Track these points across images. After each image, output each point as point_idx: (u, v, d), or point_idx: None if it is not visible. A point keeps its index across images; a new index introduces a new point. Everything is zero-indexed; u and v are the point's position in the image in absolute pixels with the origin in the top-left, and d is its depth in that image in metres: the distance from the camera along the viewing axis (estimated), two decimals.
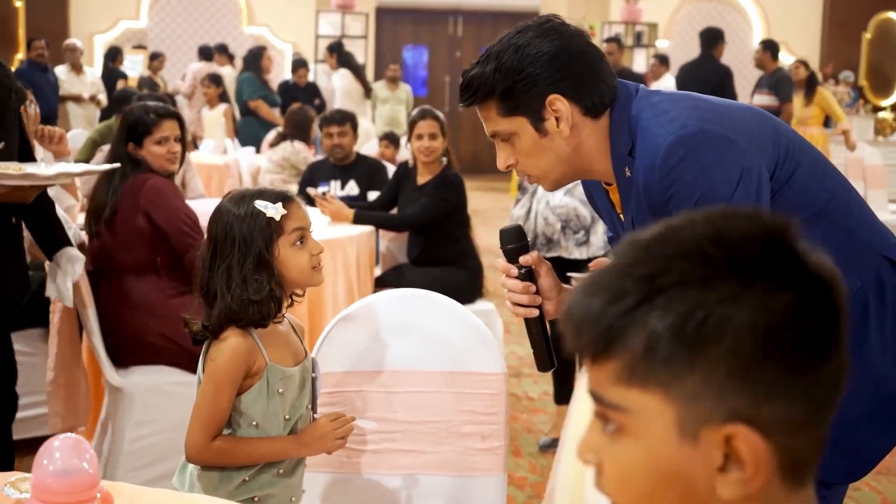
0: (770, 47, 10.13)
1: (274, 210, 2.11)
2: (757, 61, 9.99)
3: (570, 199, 4.31)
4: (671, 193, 1.80)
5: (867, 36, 15.02)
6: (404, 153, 8.24)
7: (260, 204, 2.11)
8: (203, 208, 4.13)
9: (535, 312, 2.01)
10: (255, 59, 10.48)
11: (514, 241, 2.01)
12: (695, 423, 0.88)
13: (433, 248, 4.85)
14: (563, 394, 4.47)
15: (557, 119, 1.87)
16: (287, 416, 2.16)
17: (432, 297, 2.42)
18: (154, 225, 3.80)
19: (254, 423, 2.13)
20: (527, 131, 1.89)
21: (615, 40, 8.54)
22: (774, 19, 14.85)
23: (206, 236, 2.20)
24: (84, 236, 3.94)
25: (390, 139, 7.94)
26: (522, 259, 2.00)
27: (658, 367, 0.87)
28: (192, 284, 3.75)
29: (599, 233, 4.32)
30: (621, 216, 2.01)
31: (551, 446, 4.35)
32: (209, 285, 2.14)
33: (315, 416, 2.27)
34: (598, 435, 0.93)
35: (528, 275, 2.00)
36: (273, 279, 2.11)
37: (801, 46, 14.93)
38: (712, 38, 9.23)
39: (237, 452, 2.13)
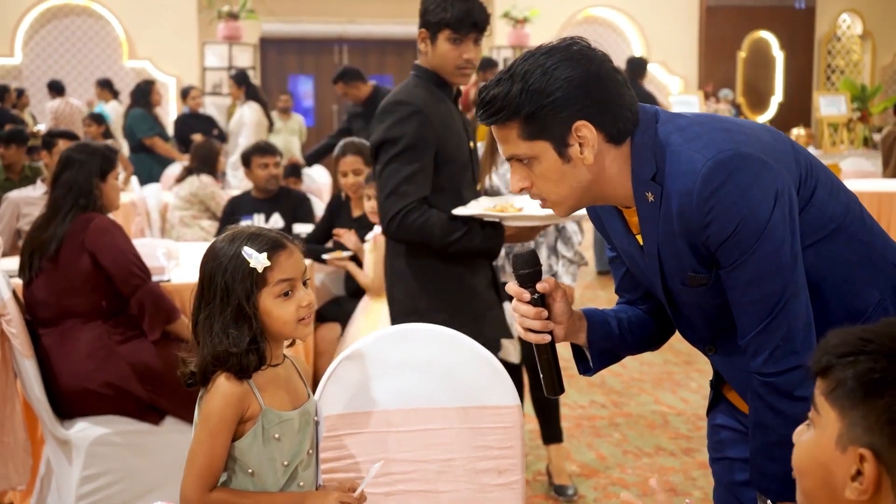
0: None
1: (257, 261, 1.97)
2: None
3: None
4: (710, 218, 1.77)
5: (742, 54, 15.53)
6: (307, 181, 8.15)
7: (246, 251, 1.98)
8: (141, 250, 3.99)
9: (548, 339, 1.96)
10: (145, 94, 10.17)
11: (528, 266, 1.95)
12: (847, 440, 1.30)
13: None
14: (548, 433, 4.44)
15: (581, 145, 1.81)
16: (286, 462, 2.04)
17: (439, 330, 2.36)
18: (99, 266, 3.65)
19: (249, 470, 2.01)
20: (549, 156, 1.83)
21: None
22: (653, 40, 15.21)
23: (199, 274, 2.07)
24: (13, 283, 3.74)
25: (295, 174, 7.81)
26: (540, 286, 1.95)
27: (842, 396, 1.31)
28: (140, 328, 3.69)
29: (543, 256, 4.29)
30: (637, 238, 1.98)
31: (561, 493, 4.31)
32: (196, 327, 2.04)
33: (318, 462, 2.16)
34: (803, 426, 1.39)
35: (541, 300, 1.95)
36: (254, 331, 1.98)
37: (679, 66, 15.35)
38: (639, 67, 9.34)
39: None
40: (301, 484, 2.08)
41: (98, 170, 3.74)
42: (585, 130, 1.80)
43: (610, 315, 2.11)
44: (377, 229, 4.31)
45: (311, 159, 8.52)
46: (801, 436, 1.39)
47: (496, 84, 1.83)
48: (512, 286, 1.97)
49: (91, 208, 3.71)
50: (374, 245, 4.34)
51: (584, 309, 2.09)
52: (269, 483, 2.03)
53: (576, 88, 1.79)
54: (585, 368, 2.13)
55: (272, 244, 2.01)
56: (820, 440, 1.34)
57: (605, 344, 2.10)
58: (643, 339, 2.14)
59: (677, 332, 2.12)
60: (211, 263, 2.02)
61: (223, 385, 1.98)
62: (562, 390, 2.01)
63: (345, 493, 2.07)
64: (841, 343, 1.34)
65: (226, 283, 1.97)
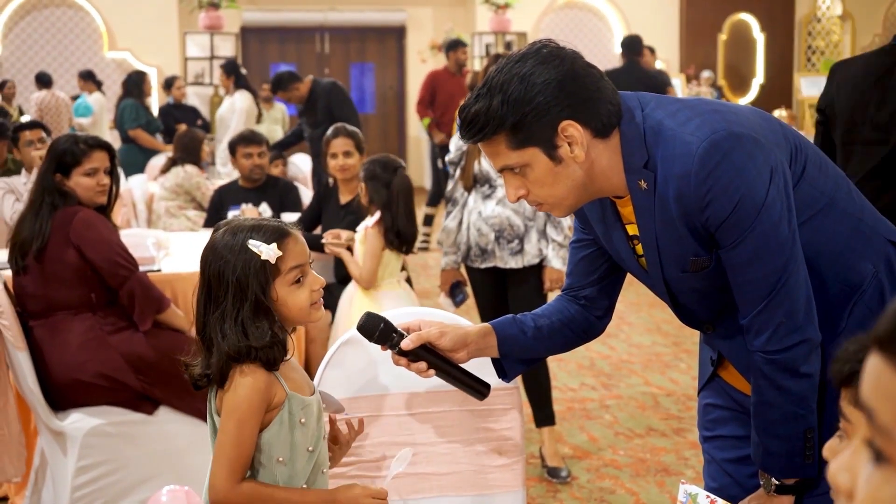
0: (653, 51, 10.47)
1: (268, 252, 1.95)
2: (643, 63, 10.24)
3: (503, 209, 4.30)
4: (709, 199, 1.78)
5: (723, 37, 15.55)
6: (292, 169, 8.14)
7: (253, 244, 1.95)
8: (130, 240, 3.98)
9: (431, 374, 2.08)
10: (138, 85, 10.13)
11: (372, 333, 2.07)
12: None
13: None
14: (541, 417, 4.47)
15: (570, 145, 1.82)
16: (310, 448, 2.04)
17: (436, 314, 2.37)
18: (86, 259, 3.64)
19: (279, 458, 1.99)
20: (540, 161, 1.83)
21: None
22: (634, 24, 15.19)
23: (200, 273, 2.03)
24: (4, 275, 3.73)
25: (283, 159, 7.80)
26: (404, 345, 2.05)
27: None
28: (131, 318, 3.69)
29: (533, 241, 4.31)
30: (628, 228, 1.97)
31: (554, 475, 4.34)
32: (205, 329, 2.00)
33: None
34: (834, 440, 1.00)
35: (410, 352, 2.06)
36: (274, 323, 1.97)
37: (660, 49, 15.32)
38: (635, 45, 9.18)
39: (267, 499, 1.98)
40: (324, 471, 2.08)
41: (54, 167, 3.67)
42: (571, 129, 1.81)
43: (527, 324, 2.16)
44: (368, 221, 4.37)
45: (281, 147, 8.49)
46: (835, 449, 1.26)
47: (475, 101, 1.83)
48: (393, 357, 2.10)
49: (66, 204, 3.66)
50: (364, 237, 4.38)
51: (495, 322, 2.16)
52: (297, 470, 2.02)
53: (555, 90, 1.80)
54: (503, 375, 2.21)
55: (278, 233, 1.99)
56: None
57: (519, 354, 2.18)
58: (567, 341, 2.20)
59: (664, 314, 2.14)
60: (217, 262, 1.97)
61: (248, 374, 1.96)
62: (487, 390, 2.12)
63: (372, 488, 2.07)
64: (861, 348, 1.18)
65: (238, 279, 1.94)
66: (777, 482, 1.91)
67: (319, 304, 2.05)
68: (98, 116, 11.10)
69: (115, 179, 3.78)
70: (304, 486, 2.03)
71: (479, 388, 2.11)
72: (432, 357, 2.07)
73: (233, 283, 1.94)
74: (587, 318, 2.17)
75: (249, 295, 1.94)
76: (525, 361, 2.21)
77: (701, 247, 1.86)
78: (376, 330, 2.06)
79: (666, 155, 1.82)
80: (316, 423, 2.06)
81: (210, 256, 2.00)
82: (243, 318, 1.94)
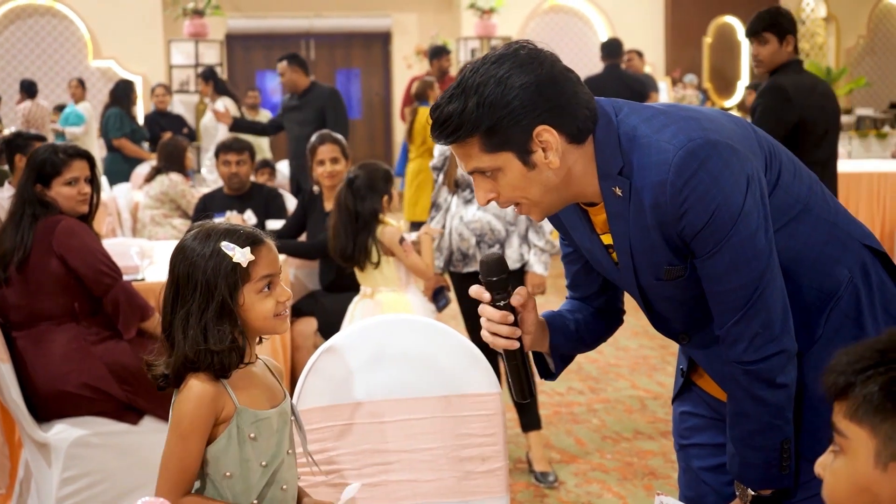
0: (641, 55, 10.51)
1: (241, 255, 1.93)
2: (631, 66, 10.29)
3: (484, 214, 4.30)
4: (685, 208, 1.75)
5: (708, 40, 15.61)
6: (277, 177, 8.13)
7: (227, 246, 1.93)
8: (114, 249, 3.97)
9: (516, 345, 1.91)
10: (126, 93, 10.11)
11: (495, 273, 1.89)
12: (887, 457, 1.23)
13: (347, 273, 4.76)
14: (527, 421, 4.47)
15: (545, 150, 1.77)
16: (264, 463, 1.99)
17: (419, 321, 2.37)
18: (69, 268, 3.62)
19: (227, 473, 1.96)
20: (513, 166, 1.78)
21: None
22: (619, 27, 15.23)
23: (168, 273, 2.01)
24: None
25: (270, 168, 7.80)
26: (514, 301, 1.90)
27: (870, 412, 1.24)
28: (115, 328, 3.67)
29: (514, 246, 4.31)
30: (602, 238, 1.94)
31: (542, 480, 4.33)
32: (170, 328, 1.98)
33: (307, 458, 2.13)
34: (827, 456, 1.32)
35: (508, 305, 1.90)
36: (236, 328, 1.95)
37: (646, 53, 15.35)
38: (615, 48, 9.13)
39: None
40: (284, 487, 2.04)
41: (34, 177, 3.66)
42: (546, 135, 1.76)
43: (567, 317, 2.10)
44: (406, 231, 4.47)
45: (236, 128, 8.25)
46: (829, 466, 1.31)
47: (448, 101, 1.77)
48: (476, 288, 1.92)
49: (47, 214, 3.64)
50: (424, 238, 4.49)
51: (544, 314, 2.06)
52: (250, 485, 1.98)
53: (532, 94, 1.74)
54: (547, 374, 2.11)
55: (252, 239, 1.97)
56: (855, 464, 1.26)
57: (566, 347, 2.09)
58: (597, 336, 2.13)
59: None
60: (186, 262, 1.96)
61: (196, 386, 1.93)
62: (531, 395, 1.94)
63: None
64: (856, 360, 1.27)
65: (206, 280, 1.92)
66: (753, 493, 1.90)
67: (285, 316, 2.02)
68: (88, 125, 11.08)
69: (96, 188, 3.76)
70: (255, 501, 2.00)
71: (528, 388, 1.92)
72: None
73: (201, 283, 1.93)
74: (603, 318, 2.13)
75: (216, 296, 1.92)
76: (567, 357, 2.12)
77: (676, 256, 1.83)
78: (502, 273, 1.89)
79: (641, 163, 1.78)
80: (274, 437, 2.01)
81: (180, 256, 1.98)
82: (207, 319, 1.93)
